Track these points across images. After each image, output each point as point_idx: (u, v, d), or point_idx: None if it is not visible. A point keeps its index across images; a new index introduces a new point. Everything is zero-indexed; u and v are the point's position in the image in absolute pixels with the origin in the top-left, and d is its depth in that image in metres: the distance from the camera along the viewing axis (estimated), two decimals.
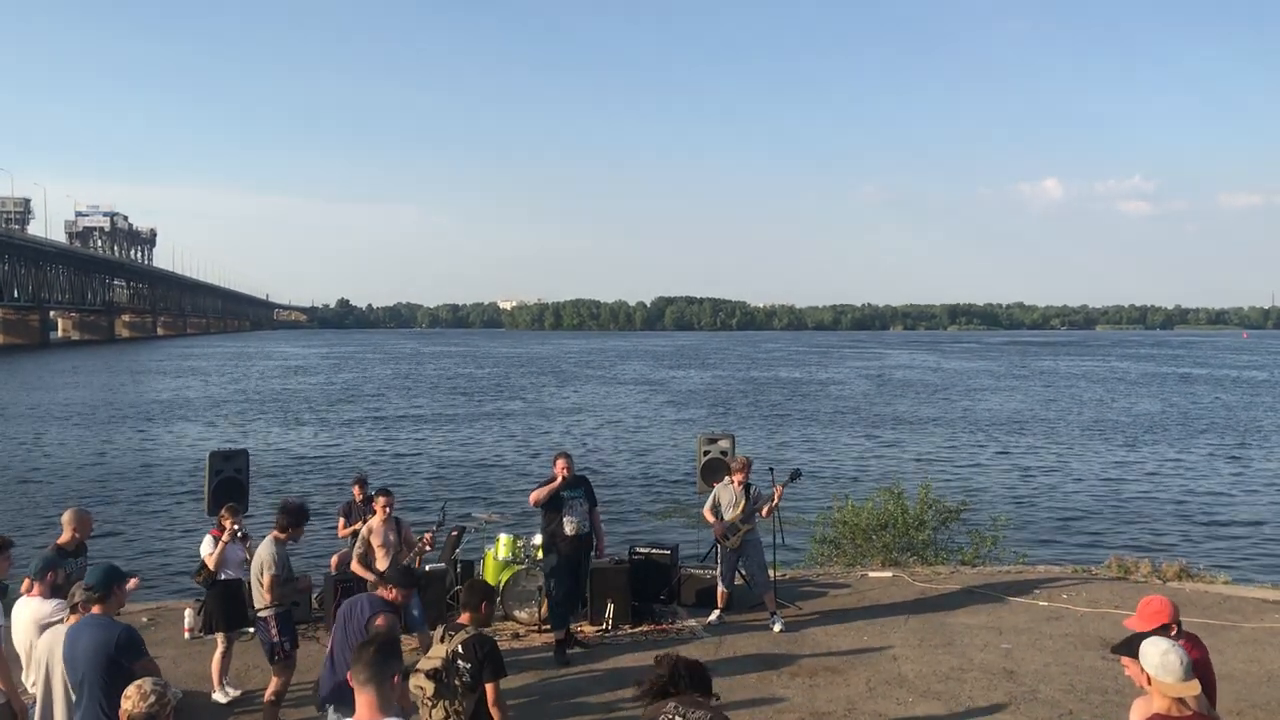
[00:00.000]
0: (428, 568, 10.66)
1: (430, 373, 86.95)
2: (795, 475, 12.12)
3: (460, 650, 5.89)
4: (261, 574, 8.36)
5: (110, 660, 5.53)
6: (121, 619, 5.97)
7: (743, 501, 11.40)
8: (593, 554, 10.99)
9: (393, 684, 4.19)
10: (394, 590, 6.91)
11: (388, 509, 10.04)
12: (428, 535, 10.63)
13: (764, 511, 11.52)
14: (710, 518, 11.64)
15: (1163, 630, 5.23)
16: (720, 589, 11.62)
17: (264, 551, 8.47)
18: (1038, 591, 12.60)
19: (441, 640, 6.03)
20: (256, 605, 8.49)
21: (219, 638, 9.43)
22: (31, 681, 6.30)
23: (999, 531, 15.96)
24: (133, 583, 7.05)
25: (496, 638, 6.54)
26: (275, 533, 8.52)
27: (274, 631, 8.42)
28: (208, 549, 9.56)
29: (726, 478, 11.76)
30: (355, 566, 9.95)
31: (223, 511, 9.72)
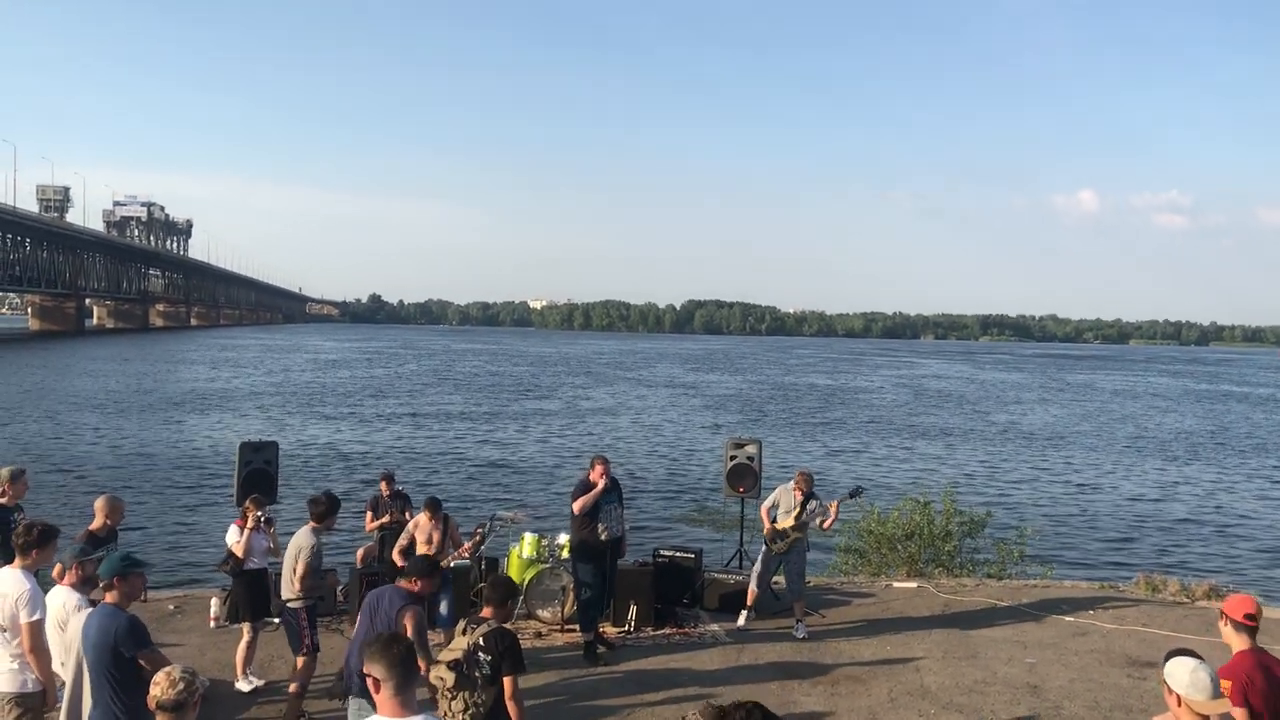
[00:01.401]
0: (453, 564, 10.69)
1: (462, 370, 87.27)
2: (856, 492, 12.12)
3: (481, 643, 5.94)
4: (296, 561, 8.39)
5: (112, 649, 5.60)
6: (147, 607, 6.03)
7: (799, 510, 11.38)
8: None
9: (416, 682, 4.19)
10: (416, 581, 6.89)
11: (433, 520, 10.08)
12: (467, 545, 10.67)
13: (824, 525, 11.53)
14: (765, 517, 11.63)
15: (1248, 621, 5.37)
16: (751, 588, 11.58)
17: (303, 539, 8.49)
18: (1064, 607, 12.51)
19: (463, 633, 6.08)
20: (285, 595, 8.54)
21: (245, 627, 9.49)
22: (61, 663, 6.39)
23: (1025, 545, 15.84)
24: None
25: (519, 636, 6.55)
26: (312, 523, 8.58)
27: (304, 623, 8.47)
28: (233, 538, 9.61)
29: (791, 482, 11.70)
30: (396, 555, 10.00)
31: (247, 503, 9.77)
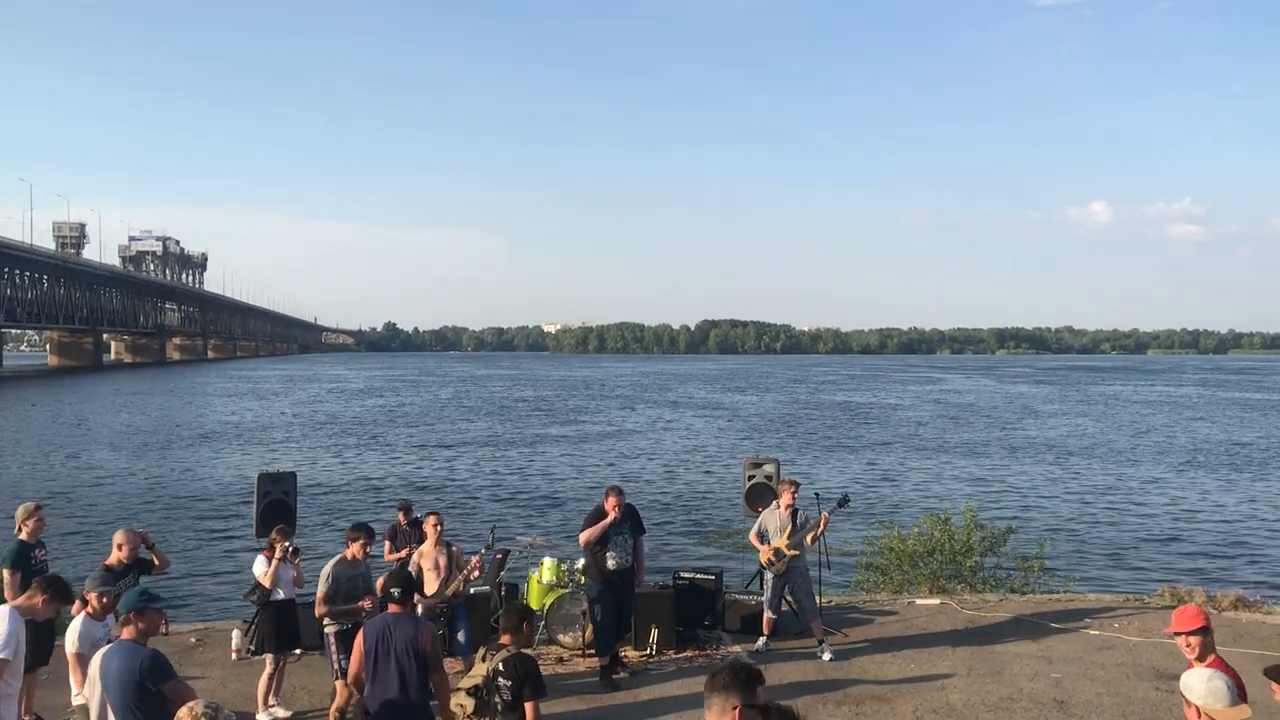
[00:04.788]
0: (473, 590, 10.67)
1: (483, 395, 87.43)
2: (843, 501, 12.04)
3: (501, 669, 5.93)
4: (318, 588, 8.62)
5: (137, 684, 5.59)
6: (169, 640, 6.04)
7: (789, 527, 11.33)
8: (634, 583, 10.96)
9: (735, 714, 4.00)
10: (405, 602, 6.96)
11: (438, 528, 10.10)
12: (475, 558, 10.64)
13: (809, 539, 11.44)
14: (756, 543, 11.58)
15: (1202, 634, 5.42)
16: (766, 614, 11.54)
17: (324, 568, 8.75)
18: (1089, 620, 12.40)
19: (483, 660, 6.08)
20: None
21: (267, 659, 9.50)
22: (78, 694, 6.41)
23: (1046, 558, 15.72)
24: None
25: (540, 661, 6.54)
26: (344, 552, 8.82)
27: (334, 649, 8.57)
28: (260, 568, 9.63)
29: (774, 502, 11.70)
30: None
31: (273, 534, 9.79)
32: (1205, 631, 5.47)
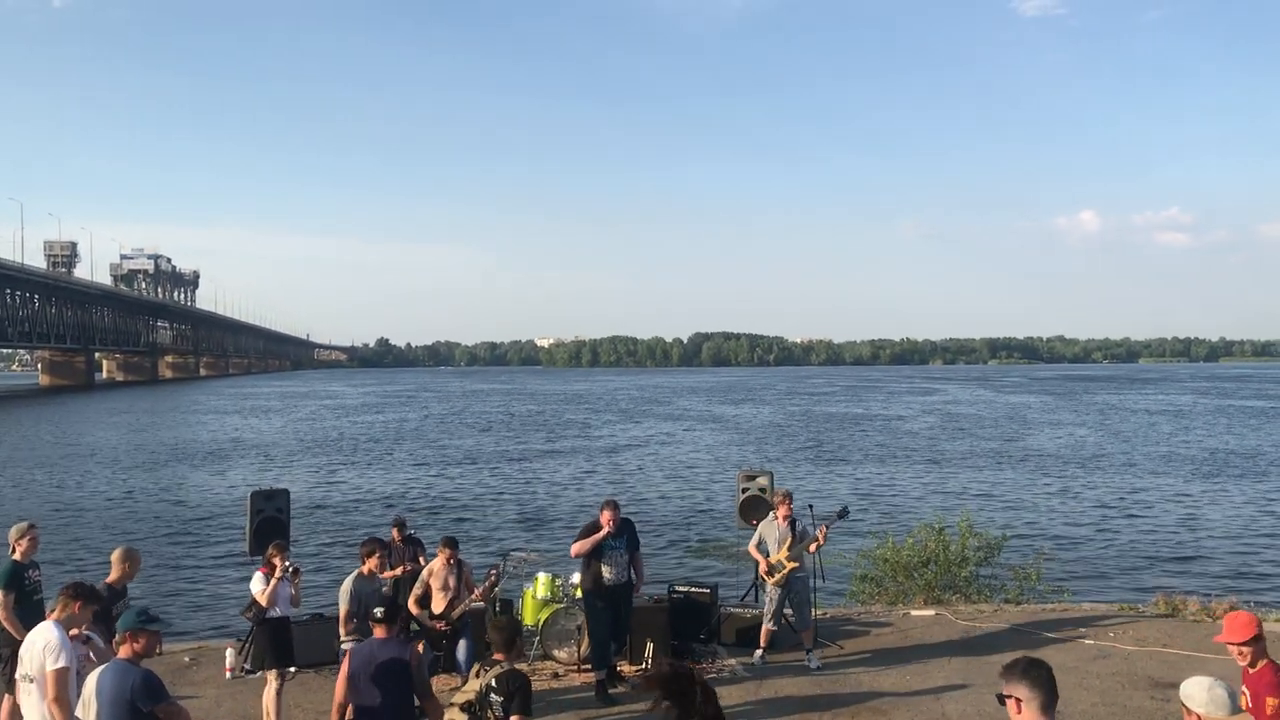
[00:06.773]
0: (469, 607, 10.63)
1: (478, 410, 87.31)
2: (843, 513, 12.05)
3: (494, 684, 5.93)
4: (338, 607, 8.57)
5: (128, 705, 5.57)
6: (163, 659, 6.02)
7: (789, 538, 11.31)
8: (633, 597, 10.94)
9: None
10: (386, 627, 6.86)
11: (450, 561, 10.06)
12: (480, 590, 10.62)
13: (811, 548, 11.45)
14: (755, 554, 11.57)
15: (1254, 643, 5.33)
16: (766, 626, 11.51)
17: (343, 586, 8.78)
18: (1083, 630, 12.41)
19: (477, 675, 6.08)
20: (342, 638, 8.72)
21: (272, 674, 9.45)
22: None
23: (1041, 568, 15.73)
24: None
25: (536, 677, 6.53)
26: (360, 568, 8.81)
27: None
28: (258, 585, 9.54)
29: (771, 514, 11.68)
30: (411, 605, 9.98)
31: (271, 549, 9.71)
32: (1257, 640, 5.39)
